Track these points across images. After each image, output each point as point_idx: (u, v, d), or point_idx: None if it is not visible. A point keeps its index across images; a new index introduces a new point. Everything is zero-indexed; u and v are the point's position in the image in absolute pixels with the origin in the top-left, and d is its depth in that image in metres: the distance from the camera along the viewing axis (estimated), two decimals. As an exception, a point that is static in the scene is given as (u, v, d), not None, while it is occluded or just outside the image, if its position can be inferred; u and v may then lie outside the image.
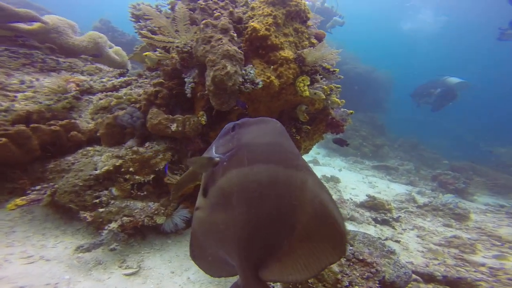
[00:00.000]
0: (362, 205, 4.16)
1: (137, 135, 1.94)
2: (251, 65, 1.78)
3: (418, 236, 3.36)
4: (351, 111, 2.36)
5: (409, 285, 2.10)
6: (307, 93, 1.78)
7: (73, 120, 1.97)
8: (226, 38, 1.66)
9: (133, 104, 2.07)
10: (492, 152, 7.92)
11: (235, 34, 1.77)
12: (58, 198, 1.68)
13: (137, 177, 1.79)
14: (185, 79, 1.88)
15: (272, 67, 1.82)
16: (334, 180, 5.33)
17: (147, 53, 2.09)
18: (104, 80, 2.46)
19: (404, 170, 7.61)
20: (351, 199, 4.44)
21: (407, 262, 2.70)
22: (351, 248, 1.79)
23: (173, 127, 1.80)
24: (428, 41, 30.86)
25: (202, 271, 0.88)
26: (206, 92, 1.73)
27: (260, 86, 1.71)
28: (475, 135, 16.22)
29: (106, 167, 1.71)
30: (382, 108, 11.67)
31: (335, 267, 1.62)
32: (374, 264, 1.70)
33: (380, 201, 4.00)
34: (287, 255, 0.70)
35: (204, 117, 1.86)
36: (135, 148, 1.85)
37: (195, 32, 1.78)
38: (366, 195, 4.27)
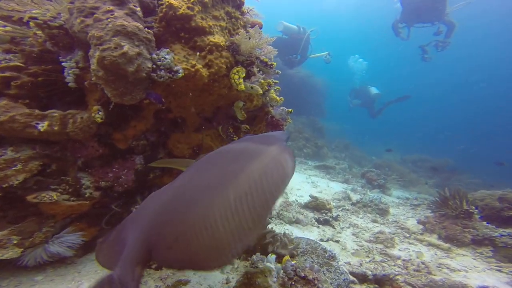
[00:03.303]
0: (306, 206, 4.32)
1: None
2: (167, 49, 1.44)
3: (353, 234, 3.64)
4: (290, 109, 2.29)
5: (348, 290, 2.17)
6: (242, 86, 1.57)
7: None
8: (122, 11, 1.27)
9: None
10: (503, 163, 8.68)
11: (138, 9, 1.39)
12: None
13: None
14: (63, 64, 1.41)
15: (198, 54, 1.52)
16: (281, 182, 5.42)
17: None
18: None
19: (340, 169, 8.47)
20: (297, 201, 4.55)
21: (345, 263, 2.85)
22: (292, 264, 1.73)
23: (43, 126, 1.31)
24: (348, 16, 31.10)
25: None
26: (94, 79, 1.30)
27: (180, 75, 1.40)
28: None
29: None
30: (321, 111, 12.87)
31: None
32: (316, 281, 1.66)
33: (322, 201, 4.22)
34: None
35: (101, 113, 1.42)
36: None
37: (71, 2, 1.32)
38: (309, 196, 4.45)
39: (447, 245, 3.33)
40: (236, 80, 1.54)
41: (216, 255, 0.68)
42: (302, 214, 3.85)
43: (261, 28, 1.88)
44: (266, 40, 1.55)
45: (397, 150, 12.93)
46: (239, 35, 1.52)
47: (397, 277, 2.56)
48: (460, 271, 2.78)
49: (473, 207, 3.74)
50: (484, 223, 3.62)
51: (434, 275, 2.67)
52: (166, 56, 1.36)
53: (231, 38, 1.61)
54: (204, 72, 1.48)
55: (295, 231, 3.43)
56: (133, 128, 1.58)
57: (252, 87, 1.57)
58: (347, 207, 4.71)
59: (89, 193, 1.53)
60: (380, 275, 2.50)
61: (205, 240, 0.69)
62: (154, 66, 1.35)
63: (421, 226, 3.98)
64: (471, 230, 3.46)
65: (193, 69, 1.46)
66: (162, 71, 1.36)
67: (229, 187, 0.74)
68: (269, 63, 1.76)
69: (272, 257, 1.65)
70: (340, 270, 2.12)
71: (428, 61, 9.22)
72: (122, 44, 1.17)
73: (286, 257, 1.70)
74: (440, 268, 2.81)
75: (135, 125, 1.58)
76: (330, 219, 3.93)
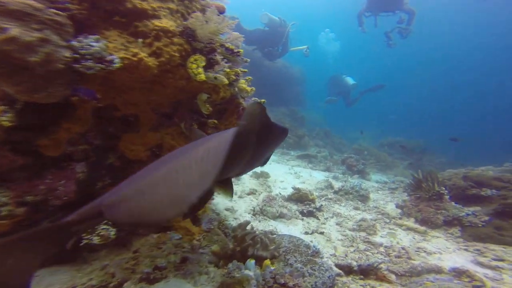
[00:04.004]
0: (290, 198, 4.29)
1: None
2: (94, 36, 1.19)
3: (337, 224, 3.68)
4: (263, 100, 2.16)
5: (335, 287, 2.15)
6: (202, 76, 1.38)
7: None
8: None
9: None
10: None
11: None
12: None
13: None
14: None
15: (141, 40, 1.28)
16: (264, 175, 5.33)
17: None
18: None
19: (322, 157, 8.60)
20: (280, 194, 4.50)
21: (330, 255, 2.86)
22: (271, 270, 1.65)
23: None
24: None
25: None
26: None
27: (117, 65, 1.18)
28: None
29: None
30: (300, 101, 12.90)
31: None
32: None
33: (304, 192, 4.20)
34: None
35: (8, 114, 1.16)
36: None
37: None
38: (292, 187, 4.42)
39: (423, 228, 3.49)
40: (194, 70, 1.33)
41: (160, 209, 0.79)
42: (286, 208, 3.80)
43: (222, 12, 1.64)
44: (227, 24, 1.33)
45: (374, 134, 13.52)
46: (193, 18, 1.28)
47: (381, 265, 2.61)
48: (435, 253, 2.93)
49: (443, 188, 3.94)
50: (453, 203, 3.85)
51: (414, 260, 2.78)
52: (93, 44, 1.11)
53: (185, 22, 1.36)
54: (151, 61, 1.25)
55: (280, 226, 3.38)
56: (65, 131, 1.31)
57: (215, 77, 1.36)
58: (329, 196, 4.77)
59: (7, 211, 1.26)
60: (365, 265, 2.52)
61: (150, 196, 0.82)
62: (77, 55, 1.10)
63: (399, 210, 4.14)
64: (443, 211, 3.65)
65: (135, 58, 1.23)
66: (90, 61, 1.12)
67: (179, 159, 0.92)
68: (236, 50, 1.55)
69: (251, 262, 1.53)
70: (324, 267, 2.07)
71: (392, 47, 9.86)
72: (5, 26, 0.89)
73: (266, 261, 1.59)
74: (418, 252, 2.93)
75: (69, 127, 1.31)
76: (314, 210, 3.94)
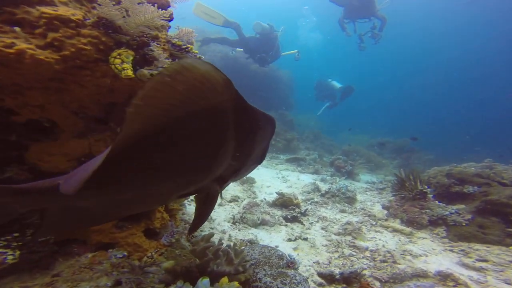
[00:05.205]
0: (274, 204, 4.15)
1: None
2: None
3: (322, 228, 3.55)
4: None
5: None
6: (129, 72, 1.20)
7: None
8: None
9: None
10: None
11: None
12: None
13: None
14: None
15: (18, 29, 1.07)
16: (249, 181, 5.18)
17: None
18: None
19: (311, 159, 8.53)
20: (265, 199, 4.36)
21: (314, 263, 2.72)
22: None
23: None
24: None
25: None
26: None
27: None
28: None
29: None
30: (290, 104, 12.90)
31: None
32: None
33: (288, 197, 4.07)
34: None
35: None
36: None
37: None
38: (276, 193, 4.29)
39: (409, 229, 3.41)
40: (117, 66, 1.15)
41: None
42: (269, 214, 3.66)
43: (166, 7, 1.50)
44: (158, 15, 1.18)
45: (364, 134, 13.62)
46: (103, 7, 1.11)
47: (364, 271, 2.49)
48: (421, 256, 2.83)
49: (425, 187, 3.88)
50: (436, 202, 3.79)
51: (399, 263, 2.67)
52: None
53: (95, 12, 1.18)
54: (46, 55, 1.07)
55: (261, 234, 3.22)
56: None
57: (151, 75, 1.21)
58: (316, 199, 4.65)
59: None
60: (347, 273, 2.40)
61: None
62: None
63: (385, 212, 4.06)
64: (427, 210, 3.59)
65: (9, 50, 1.02)
66: None
67: None
68: (184, 46, 1.41)
69: (203, 281, 1.34)
70: (297, 279, 1.92)
71: (363, 50, 10.48)
72: None
73: (223, 279, 1.43)
74: (404, 256, 2.83)
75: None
76: (299, 215, 3.81)
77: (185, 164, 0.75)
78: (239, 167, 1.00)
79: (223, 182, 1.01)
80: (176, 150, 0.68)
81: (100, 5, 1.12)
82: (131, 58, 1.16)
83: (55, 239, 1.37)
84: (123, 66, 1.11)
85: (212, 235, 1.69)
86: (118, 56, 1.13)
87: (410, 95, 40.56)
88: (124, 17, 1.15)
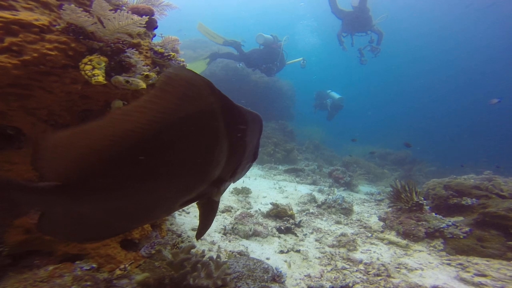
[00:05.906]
0: (268, 215, 4.07)
1: None
2: None
3: (316, 240, 3.46)
4: None
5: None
6: (100, 78, 1.18)
7: None
8: None
9: None
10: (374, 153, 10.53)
11: None
12: None
13: None
14: None
15: None
16: (245, 191, 5.13)
17: None
18: None
19: (310, 170, 8.46)
20: (260, 210, 4.29)
21: (305, 276, 2.63)
22: None
23: None
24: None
25: None
26: None
27: None
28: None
29: None
30: (290, 114, 12.98)
31: None
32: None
33: (283, 208, 4.00)
34: None
35: None
36: None
37: None
38: (270, 203, 4.22)
39: (405, 242, 3.30)
40: (87, 72, 1.16)
41: None
42: (262, 225, 3.59)
43: (148, 14, 1.54)
44: (133, 21, 1.21)
45: (368, 145, 13.56)
46: (71, 13, 1.11)
47: (356, 286, 2.40)
48: (416, 269, 2.72)
49: (421, 198, 3.79)
50: (433, 214, 3.69)
51: (393, 277, 2.57)
52: None
53: (64, 18, 1.19)
54: (2, 59, 1.04)
55: (253, 246, 3.15)
56: None
57: (127, 81, 1.22)
58: (311, 210, 4.57)
59: None
60: (338, 287, 2.31)
61: None
62: None
63: (381, 223, 3.96)
64: (424, 222, 3.49)
65: None
66: None
67: None
68: (166, 53, 1.44)
69: None
70: None
71: (364, 63, 10.73)
72: None
73: None
74: (398, 269, 2.72)
75: None
76: (293, 226, 3.73)
77: (183, 168, 0.77)
78: (235, 167, 1.01)
79: (221, 184, 1.01)
80: (173, 155, 0.70)
81: (65, 10, 1.14)
82: (103, 64, 1.19)
83: (11, 251, 1.27)
84: (93, 72, 1.13)
85: (193, 246, 1.65)
86: (89, 62, 1.15)
87: (413, 100, 40.59)
88: (95, 23, 1.20)
